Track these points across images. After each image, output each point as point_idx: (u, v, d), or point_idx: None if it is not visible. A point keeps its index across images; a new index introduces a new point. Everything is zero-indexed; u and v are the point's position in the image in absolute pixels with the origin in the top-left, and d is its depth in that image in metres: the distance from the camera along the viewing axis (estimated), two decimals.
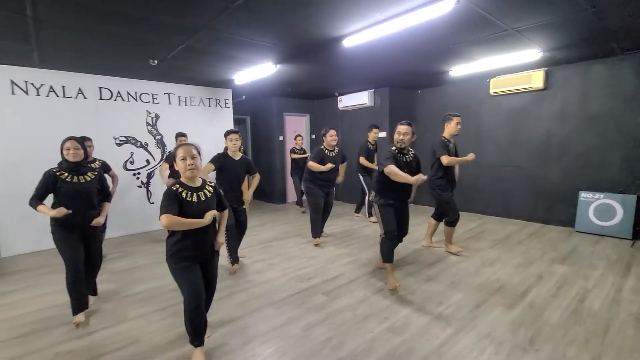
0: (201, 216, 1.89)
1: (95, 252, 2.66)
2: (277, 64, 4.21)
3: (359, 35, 3.09)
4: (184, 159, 1.89)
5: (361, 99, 6.55)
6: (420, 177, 2.59)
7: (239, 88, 5.92)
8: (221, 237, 2.14)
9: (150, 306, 2.77)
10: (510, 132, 5.37)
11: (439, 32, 3.14)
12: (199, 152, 1.96)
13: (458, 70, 4.79)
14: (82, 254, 2.51)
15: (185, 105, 5.60)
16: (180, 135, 4.61)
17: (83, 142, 2.52)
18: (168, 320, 2.55)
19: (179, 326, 2.45)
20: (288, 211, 6.66)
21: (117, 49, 3.49)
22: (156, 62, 3.98)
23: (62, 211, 2.30)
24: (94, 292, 2.83)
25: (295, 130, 7.73)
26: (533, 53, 3.93)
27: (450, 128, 3.73)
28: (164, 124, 5.37)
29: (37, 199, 2.35)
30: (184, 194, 1.89)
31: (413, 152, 3.10)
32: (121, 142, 5.00)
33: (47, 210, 2.31)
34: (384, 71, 4.87)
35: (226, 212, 2.22)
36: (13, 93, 4.10)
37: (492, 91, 5.39)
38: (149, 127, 5.26)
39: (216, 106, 6.00)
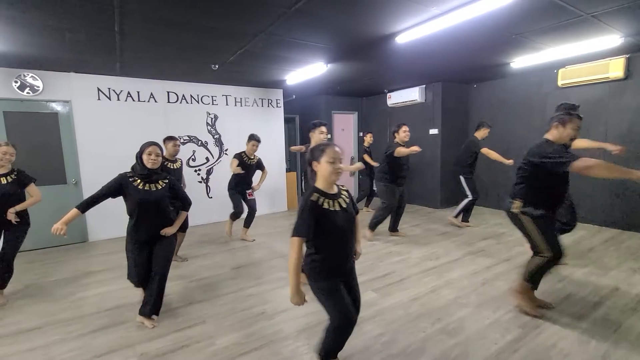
0: (347, 228, 1.65)
1: (159, 257, 2.42)
2: (328, 64, 4.28)
3: (414, 30, 3.03)
4: (332, 161, 1.59)
5: (412, 95, 6.38)
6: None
7: (289, 88, 6.11)
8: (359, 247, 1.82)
9: (213, 292, 3.03)
10: (581, 127, 4.86)
11: (501, 22, 2.96)
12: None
13: (521, 61, 4.46)
14: (146, 264, 2.42)
15: (241, 106, 5.93)
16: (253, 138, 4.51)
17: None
18: (229, 305, 2.77)
19: (237, 311, 2.65)
20: None
21: (185, 56, 3.83)
22: (217, 66, 4.29)
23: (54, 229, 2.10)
24: (154, 311, 2.47)
25: (344, 128, 7.78)
26: (612, 39, 3.52)
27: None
28: (222, 124, 5.75)
29: (87, 203, 2.25)
30: (325, 204, 1.60)
31: None
32: (185, 141, 5.46)
33: (66, 218, 2.16)
34: (437, 66, 4.70)
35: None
36: (99, 99, 4.70)
37: (560, 82, 4.93)
38: (209, 127, 5.66)
39: (268, 106, 6.27)
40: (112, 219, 4.76)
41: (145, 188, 2.36)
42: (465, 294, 2.85)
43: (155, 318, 2.49)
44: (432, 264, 3.54)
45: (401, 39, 3.23)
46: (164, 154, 2.78)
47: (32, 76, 4.25)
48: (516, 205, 2.42)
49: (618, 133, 4.51)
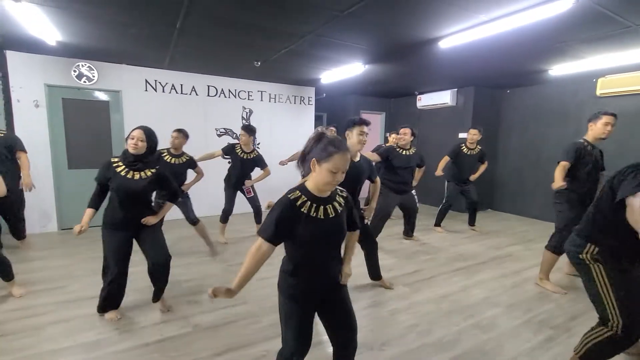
0: (327, 238, 1.40)
1: (154, 252, 2.39)
2: (367, 64, 4.40)
3: (458, 36, 3.11)
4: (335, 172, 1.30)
5: (443, 98, 6.41)
6: None
7: (321, 86, 6.26)
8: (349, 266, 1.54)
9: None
10: (618, 138, 4.77)
11: (548, 31, 3.00)
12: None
13: (560, 69, 4.44)
14: (126, 256, 2.36)
15: (275, 102, 6.13)
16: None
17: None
18: (267, 289, 2.94)
19: (275, 295, 2.82)
20: None
21: (232, 52, 4.04)
22: (259, 63, 4.48)
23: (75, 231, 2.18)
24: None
25: (371, 128, 7.85)
26: None
27: (596, 129, 2.85)
28: (256, 119, 5.96)
29: (94, 198, 2.31)
30: (305, 208, 1.33)
31: None
32: (221, 134, 5.71)
33: (84, 221, 2.22)
34: (474, 70, 4.73)
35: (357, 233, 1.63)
36: (146, 90, 4.99)
37: (599, 92, 4.87)
38: (244, 121, 5.89)
39: (300, 103, 6.45)
40: None
41: (127, 176, 2.23)
42: (496, 294, 2.93)
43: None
44: (460, 265, 3.62)
45: (444, 44, 3.31)
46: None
47: (88, 66, 4.57)
48: (588, 250, 1.74)
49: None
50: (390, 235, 4.66)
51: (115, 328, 2.30)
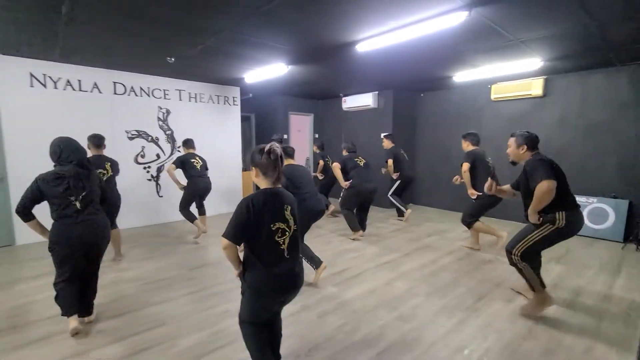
0: None
1: None
2: (289, 65, 4.36)
3: (372, 40, 3.25)
4: None
5: (365, 100, 6.71)
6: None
7: (247, 86, 6.05)
8: None
9: (171, 293, 2.92)
10: (507, 138, 5.56)
11: (448, 40, 3.31)
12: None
13: (461, 76, 4.98)
14: None
15: (195, 101, 5.73)
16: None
17: None
18: (190, 305, 2.70)
19: (199, 311, 2.61)
20: None
21: (138, 47, 3.62)
22: (173, 59, 4.11)
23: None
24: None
25: (300, 129, 7.89)
26: (534, 62, 4.13)
27: None
28: (175, 120, 5.49)
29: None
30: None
31: None
32: (133, 136, 5.12)
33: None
34: (390, 74, 5.04)
35: None
36: (32, 86, 4.21)
37: (493, 97, 5.59)
38: (160, 122, 5.38)
39: (224, 103, 6.14)
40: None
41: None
42: (417, 284, 3.13)
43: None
44: (385, 259, 3.80)
45: (361, 48, 3.43)
46: None
47: None
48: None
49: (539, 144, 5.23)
50: (319, 236, 4.70)
51: None
